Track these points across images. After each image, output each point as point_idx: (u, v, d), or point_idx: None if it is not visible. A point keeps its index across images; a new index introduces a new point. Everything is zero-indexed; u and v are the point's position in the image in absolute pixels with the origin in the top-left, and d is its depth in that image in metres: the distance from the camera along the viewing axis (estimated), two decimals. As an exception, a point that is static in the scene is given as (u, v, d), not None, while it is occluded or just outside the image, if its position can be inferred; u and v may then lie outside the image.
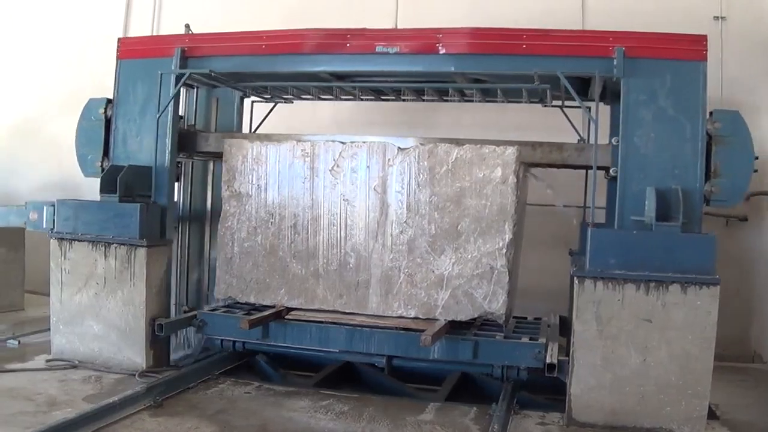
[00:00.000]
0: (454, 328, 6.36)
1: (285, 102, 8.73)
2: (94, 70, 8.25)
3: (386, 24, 7.40)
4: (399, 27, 7.48)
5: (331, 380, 7.05)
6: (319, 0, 10.02)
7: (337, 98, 8.15)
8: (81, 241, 7.26)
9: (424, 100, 7.83)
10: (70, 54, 11.74)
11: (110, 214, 7.15)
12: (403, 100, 7.94)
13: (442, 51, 6.39)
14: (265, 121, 8.67)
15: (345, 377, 7.18)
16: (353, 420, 5.88)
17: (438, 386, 6.75)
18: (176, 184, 7.92)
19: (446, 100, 7.78)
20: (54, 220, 7.60)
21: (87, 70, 10.43)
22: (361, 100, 8.12)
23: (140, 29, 11.07)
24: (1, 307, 9.85)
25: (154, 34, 10.93)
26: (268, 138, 7.47)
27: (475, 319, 6.42)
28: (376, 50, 6.59)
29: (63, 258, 7.34)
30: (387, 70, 6.72)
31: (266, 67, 7.16)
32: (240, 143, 7.32)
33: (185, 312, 8.08)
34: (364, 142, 6.84)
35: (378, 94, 7.92)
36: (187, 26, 8.06)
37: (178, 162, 7.89)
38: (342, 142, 6.91)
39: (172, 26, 9.50)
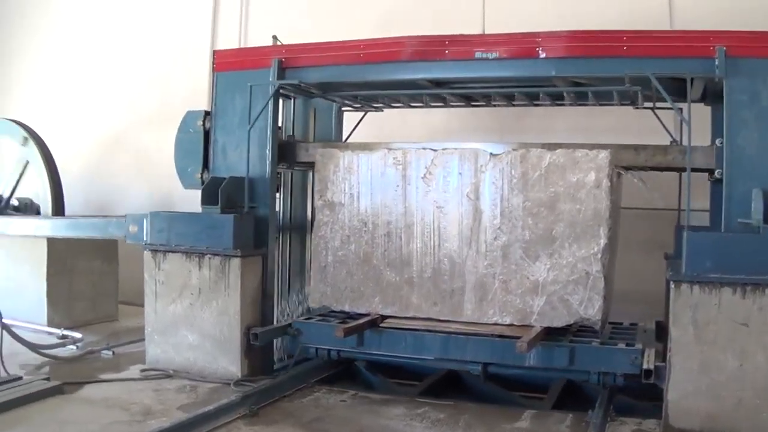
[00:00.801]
0: (550, 334, 6.83)
1: (375, 111, 9.49)
2: (181, 84, 9.17)
3: (474, 29, 8.08)
4: (487, 32, 8.16)
5: (432, 388, 7.69)
6: (407, 7, 10.86)
7: (427, 105, 8.82)
8: (175, 252, 8.15)
9: (514, 105, 8.44)
10: (158, 68, 12.97)
11: (204, 225, 8.02)
12: (494, 105, 8.53)
13: (542, 55, 6.87)
14: (356, 130, 9.46)
15: (445, 384, 7.86)
16: (449, 428, 6.33)
17: (534, 393, 7.39)
18: (276, 194, 8.67)
19: (537, 105, 8.36)
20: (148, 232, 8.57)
21: (174, 84, 11.46)
22: (452, 106, 8.79)
23: (227, 42, 12.15)
24: (96, 318, 11.04)
25: (241, 46, 11.95)
26: (359, 147, 8.18)
27: (570, 325, 6.91)
28: (476, 56, 7.11)
29: (157, 269, 8.25)
30: (486, 76, 7.28)
31: (363, 75, 7.80)
32: (331, 153, 8.09)
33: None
34: (455, 148, 7.48)
35: (468, 100, 8.51)
36: (275, 38, 8.81)
37: (278, 172, 8.64)
38: (433, 150, 7.57)
39: (259, 38, 10.46)
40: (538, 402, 7.06)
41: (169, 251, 8.21)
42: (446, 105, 8.71)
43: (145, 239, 8.55)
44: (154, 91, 13.01)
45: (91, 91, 14.14)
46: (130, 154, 13.38)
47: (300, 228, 9.45)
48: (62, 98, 14.53)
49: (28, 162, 11.47)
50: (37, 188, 11.37)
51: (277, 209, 8.80)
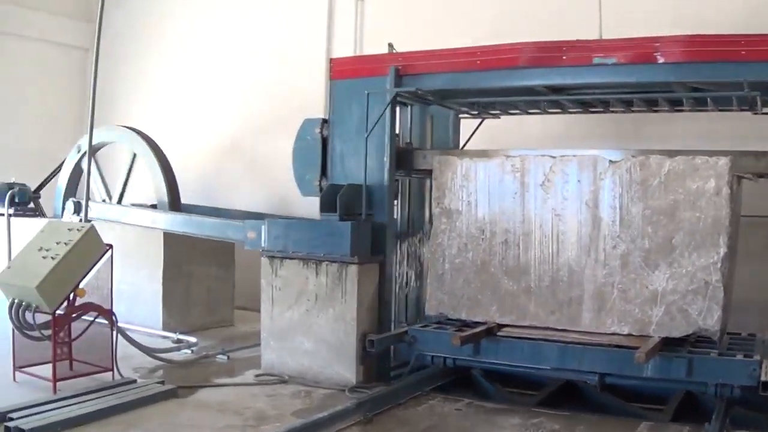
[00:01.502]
0: (667, 344, 7.27)
1: (492, 117, 10.15)
2: (296, 90, 9.86)
3: (591, 34, 8.59)
4: (603, 34, 8.69)
5: (549, 398, 7.96)
6: (521, 8, 11.45)
7: (545, 112, 9.45)
8: (292, 258, 8.96)
9: (633, 111, 8.96)
10: (274, 74, 14.07)
11: (321, 232, 8.81)
12: (612, 111, 9.08)
13: (660, 60, 7.38)
14: (473, 137, 10.15)
15: (562, 393, 8.13)
16: None
17: (651, 404, 7.57)
18: (395, 201, 9.37)
19: (655, 111, 8.86)
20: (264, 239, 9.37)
21: (289, 90, 12.38)
22: (569, 113, 9.39)
23: (342, 49, 13.07)
24: (212, 323, 12.11)
25: (357, 53, 12.84)
26: (477, 154, 8.81)
27: (688, 335, 7.37)
28: (594, 62, 7.63)
29: (274, 275, 9.10)
30: (604, 81, 7.79)
31: (480, 82, 8.38)
32: (449, 160, 8.78)
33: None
34: (574, 155, 8.05)
35: (585, 106, 9.08)
36: (391, 45, 9.64)
37: (396, 179, 9.32)
38: (552, 157, 8.17)
39: (373, 44, 11.36)
40: (656, 414, 7.41)
41: (286, 258, 9.03)
42: (564, 111, 9.34)
43: (264, 245, 9.36)
44: (270, 98, 14.08)
45: (208, 98, 15.43)
46: (245, 160, 14.53)
47: (417, 235, 10.17)
48: (180, 105, 15.90)
49: (135, 155, 12.62)
50: (153, 185, 12.46)
51: (395, 216, 9.52)
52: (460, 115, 10.24)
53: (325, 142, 9.37)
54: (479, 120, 10.26)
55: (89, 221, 9.26)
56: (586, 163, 7.97)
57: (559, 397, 8.09)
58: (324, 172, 9.38)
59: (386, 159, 8.85)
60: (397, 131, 9.19)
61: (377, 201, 8.93)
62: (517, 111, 9.74)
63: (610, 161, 7.81)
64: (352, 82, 9.18)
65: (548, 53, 7.95)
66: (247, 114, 14.60)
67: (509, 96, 8.70)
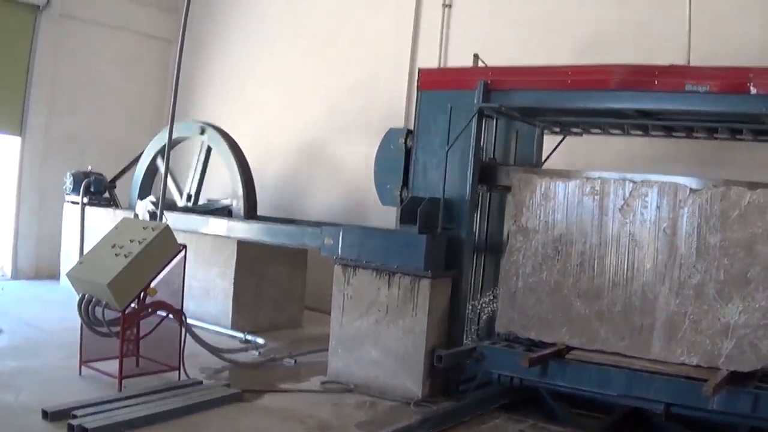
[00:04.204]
0: (735, 378, 7.44)
1: (574, 135, 10.52)
2: (379, 97, 10.23)
3: (677, 55, 8.77)
4: (691, 55, 8.99)
5: (616, 424, 8.42)
6: (609, 27, 11.68)
7: (627, 134, 9.77)
8: (365, 268, 9.45)
9: (716, 138, 9.25)
10: (358, 79, 14.59)
11: (396, 243, 9.26)
12: (695, 137, 9.36)
13: (753, 91, 7.54)
14: (555, 153, 10.53)
15: (629, 419, 8.37)
16: None
17: None
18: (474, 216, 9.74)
19: (738, 139, 9.11)
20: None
21: (373, 96, 12.84)
22: (652, 136, 9.69)
23: (427, 57, 13.50)
24: (281, 324, 12.69)
25: (442, 64, 13.28)
26: (557, 174, 9.18)
27: (756, 370, 7.55)
28: (686, 89, 7.83)
29: (346, 284, 9.60)
30: (695, 109, 8.00)
31: (569, 102, 8.64)
32: (529, 178, 9.19)
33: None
34: (655, 181, 8.37)
35: (668, 130, 9.36)
36: (476, 56, 10.00)
37: (477, 192, 9.69)
38: (633, 181, 8.50)
39: (458, 56, 11.80)
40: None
41: (359, 267, 9.53)
42: (646, 134, 9.65)
43: (341, 253, 9.84)
44: (351, 101, 14.64)
45: (288, 97, 16.10)
46: (322, 161, 15.10)
47: (495, 250, 10.55)
48: (260, 102, 16.62)
49: (210, 148, 13.31)
50: (231, 184, 13.15)
51: (474, 230, 9.94)
52: (543, 132, 10.64)
53: (408, 152, 9.83)
54: (560, 136, 10.68)
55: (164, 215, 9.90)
56: (666, 189, 8.24)
57: (626, 422, 8.37)
58: (405, 182, 9.84)
59: (469, 173, 9.20)
60: (481, 145, 9.58)
61: (457, 215, 9.33)
62: (600, 131, 10.08)
63: (691, 189, 8.08)
64: (439, 93, 9.59)
65: (640, 77, 8.19)
66: (327, 115, 15.17)
67: (597, 117, 9.07)
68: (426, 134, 9.63)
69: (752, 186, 7.83)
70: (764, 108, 7.57)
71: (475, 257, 10.26)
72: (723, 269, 7.88)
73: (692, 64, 9.00)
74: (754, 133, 8.70)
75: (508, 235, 9.74)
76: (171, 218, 10.64)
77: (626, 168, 9.45)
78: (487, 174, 9.70)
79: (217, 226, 12.30)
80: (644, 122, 8.89)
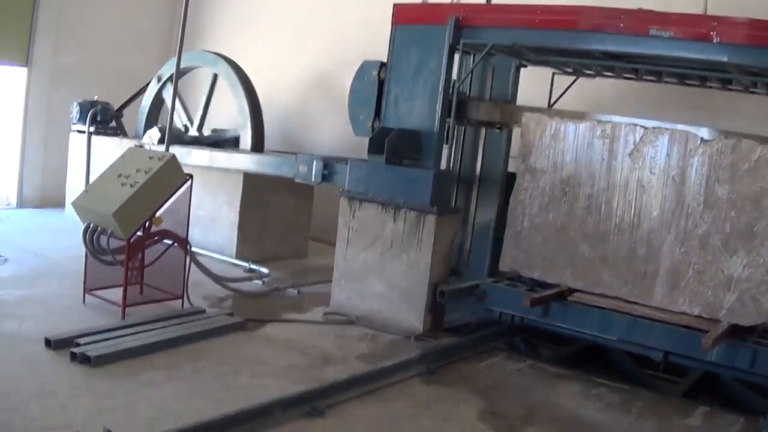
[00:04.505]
0: (735, 331, 7.50)
1: (565, 74, 10.46)
2: (386, 30, 10.24)
3: (695, 8, 8.77)
4: (708, 12, 8.89)
5: (574, 356, 8.76)
6: None
7: (599, 75, 9.84)
8: (371, 202, 9.51)
9: (708, 87, 9.26)
10: (364, 11, 14.45)
11: (403, 178, 9.29)
12: (687, 84, 9.35)
13: (716, 40, 7.53)
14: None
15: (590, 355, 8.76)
16: (621, 414, 7.16)
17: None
18: (446, 148, 9.88)
19: (730, 89, 9.15)
20: (322, 174, 10.19)
21: (379, 29, 12.72)
22: (643, 80, 9.65)
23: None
24: (285, 254, 12.80)
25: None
26: (568, 115, 9.16)
27: (756, 325, 7.60)
28: (650, 33, 7.82)
29: (352, 217, 9.67)
30: (659, 53, 8.02)
31: (537, 41, 8.66)
32: (540, 118, 9.17)
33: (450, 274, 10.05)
34: (666, 129, 8.34)
35: (659, 75, 9.33)
36: None
37: (448, 126, 9.79)
38: (644, 127, 8.47)
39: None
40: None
41: (365, 200, 9.59)
42: (617, 76, 9.70)
43: (314, 180, 10.28)
44: (360, 35, 14.46)
45: (297, 30, 16.06)
46: (332, 95, 15.02)
47: (467, 184, 10.77)
48: (268, 35, 16.55)
49: (216, 75, 13.32)
50: (238, 113, 13.17)
51: (446, 164, 9.98)
52: (554, 72, 10.56)
53: (381, 84, 9.91)
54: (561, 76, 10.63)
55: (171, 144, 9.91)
56: (677, 137, 8.19)
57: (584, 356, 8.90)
58: (378, 114, 9.94)
59: (438, 106, 9.27)
60: (451, 78, 9.57)
61: (427, 148, 9.44)
62: (591, 72, 10.11)
63: (702, 139, 8.05)
64: (413, 28, 9.62)
65: (606, 20, 8.23)
66: (338, 48, 15.13)
67: (566, 57, 9.10)
68: (399, 67, 9.64)
69: (764, 140, 7.79)
70: (726, 57, 7.60)
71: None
72: (729, 221, 7.87)
73: (710, 8, 8.96)
74: (722, 83, 8.93)
75: (482, 168, 10.31)
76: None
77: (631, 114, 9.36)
78: (457, 108, 9.71)
79: (201, 156, 12.52)
80: (613, 64, 8.92)
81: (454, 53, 9.38)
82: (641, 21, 8.00)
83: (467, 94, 10.35)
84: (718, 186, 8.02)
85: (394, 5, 9.89)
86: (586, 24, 8.35)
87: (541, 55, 9.43)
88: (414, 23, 9.67)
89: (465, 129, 10.66)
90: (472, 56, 10.08)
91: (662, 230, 8.37)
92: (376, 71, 9.93)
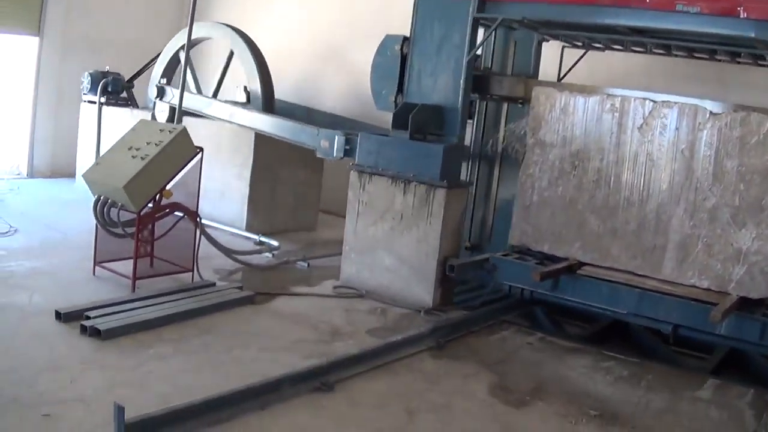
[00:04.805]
0: (744, 304, 7.61)
1: (577, 48, 10.49)
2: (400, 5, 10.22)
3: None
4: None
5: (600, 334, 8.69)
6: None
7: (628, 50, 9.79)
8: (381, 175, 9.54)
9: (718, 60, 9.25)
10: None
11: (413, 152, 9.30)
12: (696, 57, 9.37)
13: (743, 15, 7.49)
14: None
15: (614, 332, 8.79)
16: (631, 387, 7.23)
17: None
18: (469, 123, 9.91)
19: (739, 62, 9.16)
20: (344, 150, 10.09)
21: (393, 5, 12.75)
22: (653, 53, 9.68)
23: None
24: (295, 227, 12.87)
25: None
26: (577, 89, 9.16)
27: (765, 298, 7.66)
28: (677, 8, 7.81)
29: (362, 190, 9.69)
30: (685, 29, 8.02)
31: (563, 16, 8.62)
32: (549, 92, 9.17)
33: (467, 248, 10.21)
34: (675, 102, 8.33)
35: (669, 50, 9.37)
36: None
37: (471, 102, 9.84)
38: (653, 101, 8.46)
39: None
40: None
41: (375, 174, 9.62)
42: (647, 52, 9.67)
43: (335, 155, 10.20)
44: (372, 7, 14.56)
45: (310, 4, 16.09)
46: (343, 68, 15.10)
47: (489, 159, 10.81)
48: (281, 5, 16.56)
49: (232, 52, 13.23)
50: (248, 82, 13.13)
51: (469, 139, 10.15)
52: (564, 45, 10.61)
53: (404, 59, 9.87)
54: (568, 48, 10.67)
55: (182, 117, 9.89)
56: (686, 111, 8.22)
57: (609, 333, 8.86)
58: (400, 89, 9.91)
59: (462, 82, 9.30)
60: (478, 53, 9.67)
61: (451, 123, 9.45)
62: (600, 46, 10.12)
63: (711, 113, 8.07)
64: (436, 1, 9.57)
65: None
66: (348, 21, 15.16)
67: (593, 32, 9.07)
68: (422, 42, 9.63)
69: (773, 114, 7.89)
70: (753, 32, 7.58)
71: (469, 166, 10.58)
72: (738, 194, 7.92)
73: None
74: (753, 58, 8.90)
75: (503, 143, 10.15)
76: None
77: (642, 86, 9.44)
78: (480, 83, 9.81)
79: (221, 109, 12.44)
80: (641, 39, 8.91)
81: (477, 27, 9.38)
82: None
83: (490, 68, 10.38)
84: (727, 159, 8.03)
85: None
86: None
87: (563, 29, 9.43)
88: None
89: (487, 104, 10.68)
90: (494, 30, 10.00)
91: (671, 204, 8.39)
92: (399, 46, 9.89)
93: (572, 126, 9.02)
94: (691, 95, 8.50)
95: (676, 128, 8.34)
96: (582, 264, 8.81)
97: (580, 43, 10.31)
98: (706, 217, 8.13)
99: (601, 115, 8.84)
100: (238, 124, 12.11)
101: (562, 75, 10.55)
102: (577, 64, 10.55)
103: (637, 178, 8.62)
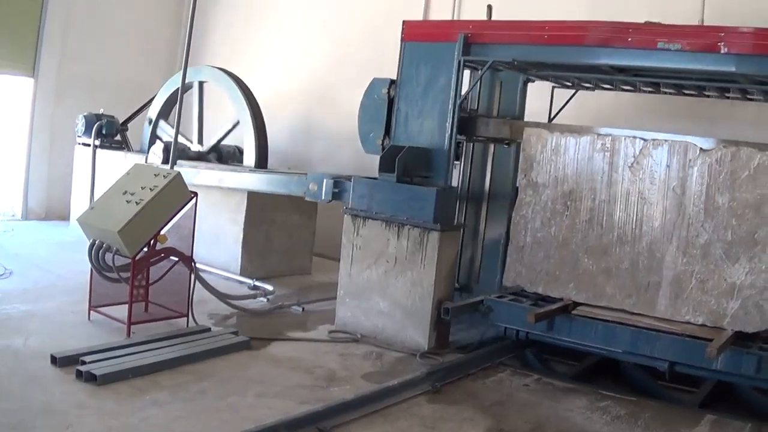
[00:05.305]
0: (739, 338, 7.57)
1: (565, 88, 10.59)
2: (390, 46, 10.34)
3: (692, 17, 8.94)
4: (705, 21, 9.00)
5: (588, 372, 8.72)
6: None
7: (617, 89, 9.90)
8: (375, 219, 9.56)
9: (706, 96, 9.32)
10: (370, 28, 14.71)
11: (406, 195, 9.32)
12: (684, 94, 9.43)
13: (724, 50, 7.61)
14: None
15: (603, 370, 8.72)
16: (628, 425, 7.13)
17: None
18: (456, 165, 9.95)
19: (727, 98, 9.22)
20: (332, 193, 10.12)
21: (383, 45, 12.77)
22: (642, 92, 9.78)
23: (441, 10, 13.65)
24: (289, 271, 12.87)
25: (456, 16, 13.40)
26: (567, 129, 9.25)
27: (759, 332, 7.64)
28: (658, 46, 7.91)
29: (356, 234, 9.71)
30: (667, 66, 8.11)
31: (547, 56, 8.74)
32: (540, 133, 9.25)
33: (456, 289, 10.14)
34: (665, 140, 8.42)
35: (657, 87, 9.43)
36: (489, 8, 10.12)
37: (458, 143, 9.91)
38: (643, 139, 8.56)
39: (472, 10, 11.89)
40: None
41: (369, 218, 9.64)
42: (637, 90, 9.78)
43: (324, 198, 10.24)
44: (364, 51, 14.65)
45: (302, 43, 16.26)
46: (335, 110, 15.17)
47: (476, 199, 10.87)
48: (272, 49, 16.76)
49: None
50: (242, 130, 13.28)
51: (456, 180, 10.17)
52: (554, 86, 10.73)
53: (391, 102, 9.98)
54: (560, 90, 10.79)
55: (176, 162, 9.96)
56: (676, 148, 8.27)
57: (598, 371, 8.84)
58: (387, 131, 10.01)
59: (448, 124, 9.33)
60: (461, 95, 9.65)
61: (438, 165, 9.51)
62: (590, 85, 10.21)
63: (701, 149, 8.13)
64: (422, 45, 9.71)
65: (614, 33, 8.30)
66: (340, 62, 15.31)
67: (577, 72, 9.20)
68: (408, 85, 9.73)
69: (762, 147, 7.87)
70: (734, 67, 7.69)
71: (457, 207, 10.53)
72: (731, 229, 7.96)
73: (706, 16, 9.20)
74: (741, 93, 8.95)
75: (492, 183, 10.39)
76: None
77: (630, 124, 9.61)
78: (467, 125, 9.93)
79: (210, 177, 12.50)
80: (627, 78, 9.04)
81: (463, 70, 9.46)
82: (649, 34, 8.10)
83: (476, 110, 10.49)
84: (719, 195, 8.11)
85: (404, 22, 9.97)
86: (595, 39, 8.45)
87: (548, 70, 9.54)
88: (423, 40, 9.78)
89: (473, 145, 10.79)
90: (479, 72, 10.13)
91: (664, 241, 8.45)
92: (386, 89, 10.00)
93: (564, 166, 9.10)
94: (681, 132, 8.67)
95: (667, 165, 8.42)
96: (577, 304, 8.83)
97: (569, 84, 10.43)
98: (699, 253, 8.17)
99: (592, 154, 8.92)
100: (228, 187, 12.32)
101: (552, 115, 10.68)
102: (569, 104, 10.73)
103: (630, 216, 8.68)
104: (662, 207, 8.46)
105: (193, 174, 12.24)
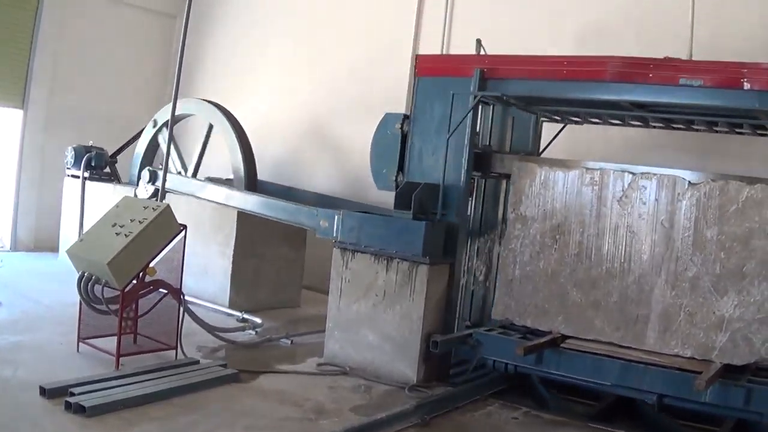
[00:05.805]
0: (728, 371, 7.56)
1: (574, 124, 10.63)
2: (381, 80, 10.33)
3: (680, 48, 8.93)
4: (694, 52, 9.04)
5: (607, 412, 8.63)
6: (612, 19, 11.78)
7: (626, 124, 9.91)
8: (364, 252, 9.56)
9: (716, 132, 9.33)
10: (358, 59, 14.77)
11: (395, 229, 9.34)
12: (695, 130, 9.45)
13: (747, 86, 7.60)
14: (547, 138, 10.64)
15: (621, 409, 8.57)
16: None
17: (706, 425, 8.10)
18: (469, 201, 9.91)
19: (739, 133, 9.26)
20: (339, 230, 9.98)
21: (375, 79, 12.96)
22: (652, 127, 9.81)
23: (429, 44, 13.69)
24: (278, 304, 12.86)
25: (444, 49, 13.45)
26: (557, 163, 9.31)
27: (748, 364, 7.68)
28: (680, 82, 7.89)
29: (344, 267, 9.71)
30: (689, 102, 8.04)
31: (564, 92, 8.70)
32: (528, 167, 9.32)
33: (467, 327, 10.09)
34: (654, 174, 8.49)
35: (668, 122, 9.43)
36: (479, 42, 10.16)
37: (472, 179, 9.86)
38: (632, 173, 8.63)
39: (461, 42, 11.91)
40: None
41: (358, 251, 9.64)
42: (646, 126, 9.78)
43: (335, 235, 10.05)
44: (353, 81, 14.76)
45: (291, 76, 16.29)
46: (324, 140, 15.26)
47: (489, 236, 10.76)
48: (261, 81, 16.83)
49: (211, 125, 13.42)
50: (231, 160, 13.25)
51: (468, 216, 10.14)
52: (543, 119, 10.75)
53: (404, 137, 9.95)
54: (561, 124, 10.79)
55: (165, 194, 9.95)
56: (665, 182, 8.37)
57: (615, 410, 8.63)
58: (401, 167, 9.98)
59: (464, 161, 9.32)
60: (477, 131, 9.74)
61: (451, 201, 9.46)
62: (599, 121, 10.19)
63: (690, 183, 8.22)
64: (436, 80, 9.71)
65: (635, 69, 8.25)
66: (329, 95, 15.35)
67: (593, 108, 9.14)
68: (422, 120, 9.73)
69: (751, 181, 7.95)
70: (757, 103, 7.64)
71: (468, 243, 10.44)
72: (719, 263, 8.01)
73: (694, 53, 9.11)
74: (753, 128, 8.93)
75: (504, 218, 10.05)
76: (171, 181, 10.74)
77: (626, 157, 9.76)
78: (481, 161, 9.89)
79: (216, 193, 12.53)
80: (640, 114, 8.97)
81: (479, 106, 9.48)
82: (671, 70, 8.09)
83: (489, 145, 10.45)
84: (707, 228, 8.15)
85: (418, 56, 10.09)
86: (616, 74, 8.41)
87: (562, 106, 9.52)
88: (437, 75, 9.78)
89: (485, 180, 10.70)
90: (491, 107, 10.22)
91: (652, 274, 8.49)
92: (399, 124, 9.98)
93: (553, 200, 9.15)
94: (672, 166, 8.75)
95: (656, 199, 8.48)
96: (565, 337, 8.85)
97: (558, 118, 10.49)
98: (688, 287, 8.21)
99: (580, 188, 8.97)
100: (234, 207, 12.24)
101: (541, 149, 10.73)
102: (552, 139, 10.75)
103: (618, 250, 8.72)
104: (651, 240, 8.49)
105: (199, 187, 12.47)
